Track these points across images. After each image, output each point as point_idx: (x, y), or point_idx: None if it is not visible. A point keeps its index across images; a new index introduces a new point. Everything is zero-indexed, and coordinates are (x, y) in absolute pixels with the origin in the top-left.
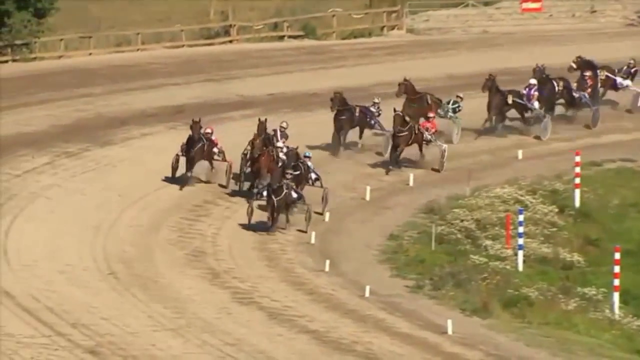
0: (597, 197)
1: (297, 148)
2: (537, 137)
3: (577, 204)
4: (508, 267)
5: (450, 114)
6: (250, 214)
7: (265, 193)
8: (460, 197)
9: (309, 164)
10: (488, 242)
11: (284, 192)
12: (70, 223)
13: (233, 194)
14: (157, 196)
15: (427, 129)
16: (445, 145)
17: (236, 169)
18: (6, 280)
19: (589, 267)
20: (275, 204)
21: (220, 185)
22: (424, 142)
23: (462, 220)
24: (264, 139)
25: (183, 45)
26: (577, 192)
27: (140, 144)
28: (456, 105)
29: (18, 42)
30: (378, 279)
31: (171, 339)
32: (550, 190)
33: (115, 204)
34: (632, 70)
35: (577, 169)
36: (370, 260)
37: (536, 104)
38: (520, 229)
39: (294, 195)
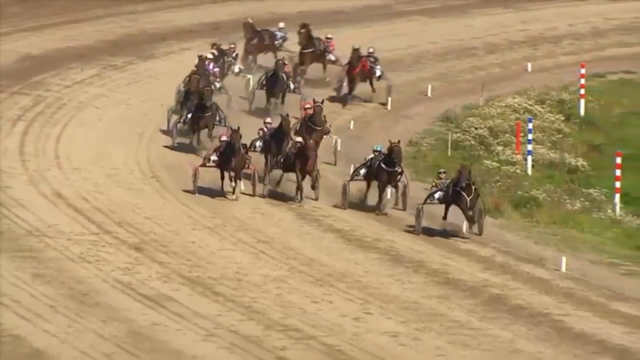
0: (601, 106)
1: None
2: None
3: (582, 112)
4: (518, 171)
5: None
6: (420, 218)
7: (438, 195)
8: (474, 107)
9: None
10: (500, 148)
11: (473, 190)
12: (116, 130)
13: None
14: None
15: None
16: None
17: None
18: (58, 183)
19: (593, 171)
20: (469, 204)
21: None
22: None
23: (476, 128)
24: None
25: None
26: (582, 101)
27: (180, 57)
28: None
29: None
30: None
31: (208, 237)
32: (557, 100)
33: (157, 113)
34: (234, 55)
35: (582, 81)
36: None
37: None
38: (530, 136)
39: None
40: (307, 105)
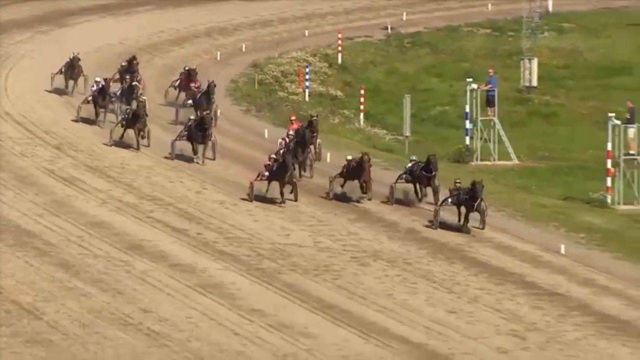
0: (351, 57)
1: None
2: None
3: (340, 62)
4: (300, 99)
5: None
6: (438, 216)
7: (451, 200)
8: (272, 58)
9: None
10: (288, 84)
11: (479, 198)
12: (44, 72)
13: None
14: (104, 56)
15: None
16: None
17: None
18: (6, 105)
19: (346, 98)
20: (474, 209)
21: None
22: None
23: (273, 71)
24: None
25: None
26: (340, 55)
27: (85, 27)
28: None
29: None
30: (225, 107)
31: (104, 140)
32: (324, 54)
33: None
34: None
35: (340, 42)
36: (220, 95)
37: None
38: (307, 77)
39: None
40: (293, 117)
